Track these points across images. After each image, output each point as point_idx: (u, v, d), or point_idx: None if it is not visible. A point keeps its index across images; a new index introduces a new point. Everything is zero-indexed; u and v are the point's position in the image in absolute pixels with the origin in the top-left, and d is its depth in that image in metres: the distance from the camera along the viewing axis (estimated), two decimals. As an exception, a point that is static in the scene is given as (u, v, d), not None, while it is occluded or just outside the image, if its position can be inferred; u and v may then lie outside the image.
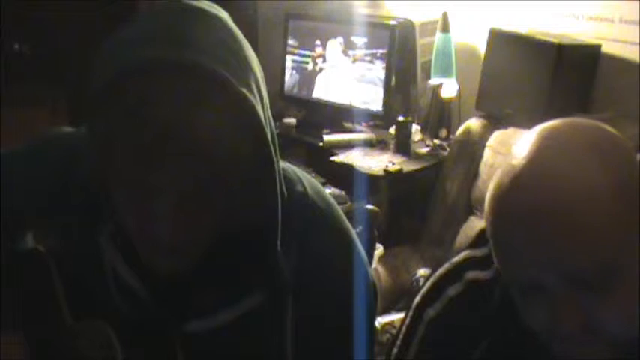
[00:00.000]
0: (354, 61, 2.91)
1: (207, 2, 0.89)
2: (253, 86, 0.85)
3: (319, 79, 3.05)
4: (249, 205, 0.91)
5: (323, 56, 3.02)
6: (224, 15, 0.89)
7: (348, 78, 2.94)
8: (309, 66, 3.07)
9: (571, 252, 0.77)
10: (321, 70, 3.04)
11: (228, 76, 0.81)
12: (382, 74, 2.82)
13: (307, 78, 3.08)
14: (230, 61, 0.83)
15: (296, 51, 3.10)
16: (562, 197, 0.77)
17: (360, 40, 2.89)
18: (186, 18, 0.85)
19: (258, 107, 0.85)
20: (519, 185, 0.80)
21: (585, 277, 0.78)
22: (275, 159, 0.88)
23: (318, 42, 3.02)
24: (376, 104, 2.86)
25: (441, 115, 2.75)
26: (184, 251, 0.87)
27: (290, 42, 3.11)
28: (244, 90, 0.82)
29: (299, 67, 3.10)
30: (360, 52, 2.89)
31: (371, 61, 2.86)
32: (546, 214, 0.78)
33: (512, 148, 0.85)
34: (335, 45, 2.97)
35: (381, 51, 2.82)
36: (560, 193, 0.77)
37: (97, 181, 0.89)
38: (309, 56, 3.06)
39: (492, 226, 0.84)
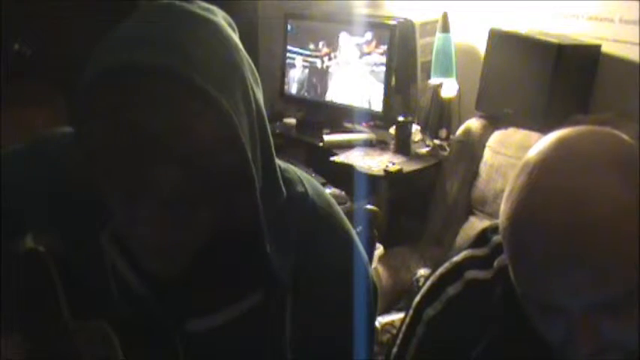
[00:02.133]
0: (355, 57, 2.91)
1: (201, 4, 0.88)
2: (237, 92, 0.84)
3: (319, 79, 3.05)
4: (236, 207, 0.90)
5: (323, 56, 3.02)
6: (218, 18, 0.88)
7: (348, 78, 2.94)
8: (309, 66, 3.07)
9: (599, 278, 0.76)
10: (321, 69, 3.03)
11: (202, 81, 0.80)
12: (382, 74, 2.82)
13: (307, 78, 3.08)
14: (211, 65, 0.82)
15: (296, 51, 3.10)
16: (591, 221, 0.75)
17: (360, 40, 2.88)
18: (173, 21, 0.84)
19: (236, 116, 0.83)
20: (543, 206, 0.77)
21: (608, 301, 0.77)
22: (253, 170, 0.86)
23: (318, 42, 3.02)
24: (376, 104, 2.86)
25: (441, 115, 2.75)
26: (172, 254, 0.87)
27: (290, 42, 3.11)
28: (222, 97, 0.81)
29: (299, 67, 3.10)
30: (360, 52, 2.89)
31: (370, 61, 2.86)
32: (574, 239, 0.75)
33: (525, 158, 0.82)
34: (335, 45, 2.97)
35: (381, 51, 2.83)
36: (589, 216, 0.75)
37: (85, 183, 0.89)
38: (309, 56, 3.06)
39: (512, 243, 0.82)
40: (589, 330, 0.78)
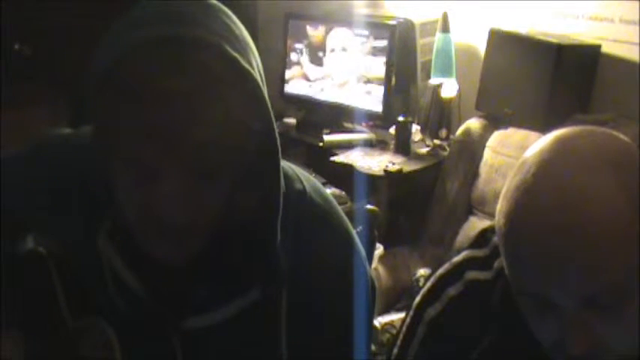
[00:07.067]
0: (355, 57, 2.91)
1: None
2: (255, 67, 0.86)
3: (319, 79, 3.05)
4: (251, 196, 0.91)
5: (323, 57, 3.02)
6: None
7: (348, 78, 2.94)
8: (310, 65, 3.07)
9: (590, 275, 0.77)
10: (321, 69, 3.03)
11: (232, 50, 0.82)
12: (382, 74, 2.82)
13: (307, 78, 3.08)
14: (232, 40, 0.84)
15: (296, 51, 3.10)
16: (584, 219, 0.76)
17: (360, 40, 2.88)
18: (187, 2, 0.86)
19: (262, 85, 0.85)
20: (537, 204, 0.78)
21: (600, 298, 0.78)
22: (278, 139, 0.89)
23: (317, 41, 3.02)
24: (376, 104, 2.86)
25: (441, 115, 2.74)
26: (188, 236, 0.87)
27: (290, 41, 3.11)
28: (247, 66, 0.83)
29: (299, 67, 3.10)
30: (360, 52, 2.89)
31: (370, 61, 2.86)
32: (566, 237, 0.76)
33: (523, 157, 0.83)
34: (336, 45, 2.97)
35: (380, 51, 2.82)
36: (582, 214, 0.76)
37: (99, 170, 0.89)
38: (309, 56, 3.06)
39: (506, 241, 0.83)
40: (580, 328, 0.79)
